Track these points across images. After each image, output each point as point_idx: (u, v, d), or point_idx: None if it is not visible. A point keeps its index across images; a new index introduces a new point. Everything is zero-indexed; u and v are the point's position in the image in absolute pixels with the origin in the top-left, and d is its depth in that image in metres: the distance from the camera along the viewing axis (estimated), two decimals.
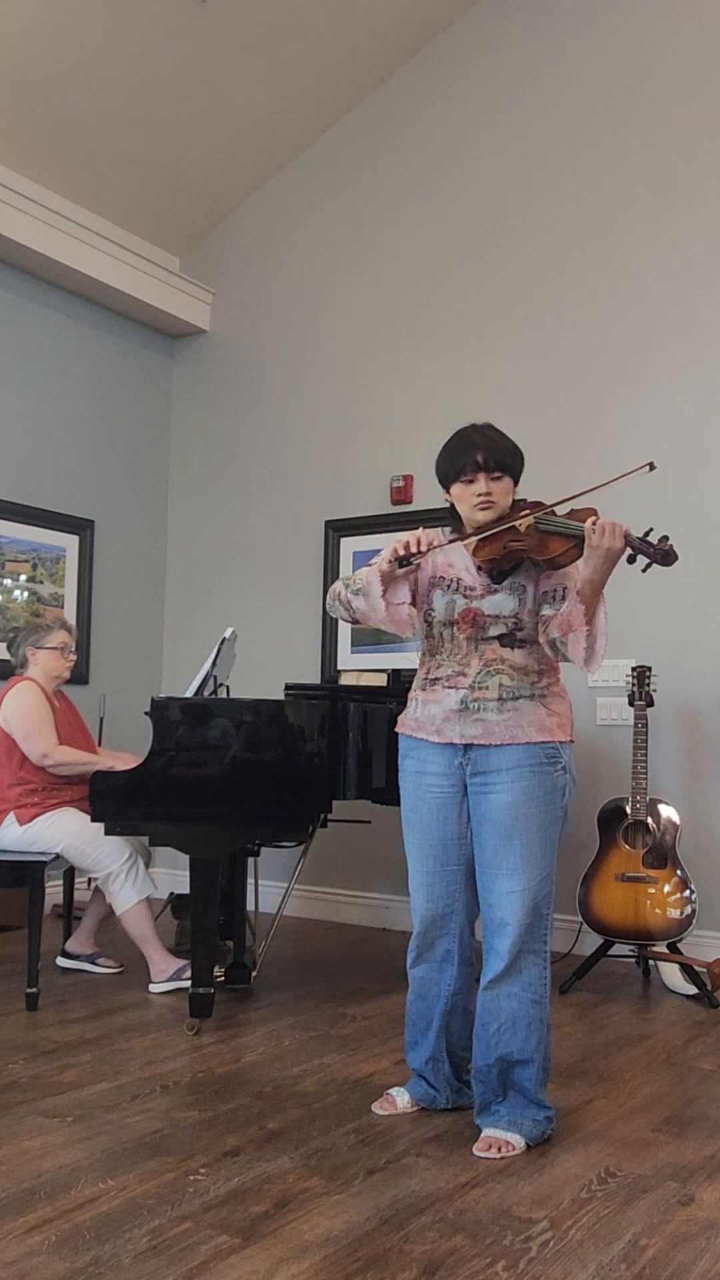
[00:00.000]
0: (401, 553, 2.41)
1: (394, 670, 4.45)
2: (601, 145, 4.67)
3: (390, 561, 2.44)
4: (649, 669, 3.99)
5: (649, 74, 4.57)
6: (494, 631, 2.49)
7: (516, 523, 2.43)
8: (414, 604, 2.59)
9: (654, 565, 2.32)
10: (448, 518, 2.64)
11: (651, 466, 2.42)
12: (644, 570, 2.37)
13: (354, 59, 5.12)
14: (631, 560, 2.34)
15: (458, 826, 2.54)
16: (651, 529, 2.36)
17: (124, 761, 3.76)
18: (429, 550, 2.42)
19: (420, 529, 2.49)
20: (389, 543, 2.50)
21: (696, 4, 4.46)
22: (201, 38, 4.74)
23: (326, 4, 4.77)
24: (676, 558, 2.30)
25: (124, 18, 4.54)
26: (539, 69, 4.85)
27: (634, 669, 4.00)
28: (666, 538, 2.31)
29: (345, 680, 4.54)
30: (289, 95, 5.20)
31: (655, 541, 2.31)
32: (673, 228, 4.48)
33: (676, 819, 3.86)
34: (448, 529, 2.63)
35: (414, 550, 2.40)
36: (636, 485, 4.42)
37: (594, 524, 2.33)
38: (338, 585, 2.58)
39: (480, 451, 2.49)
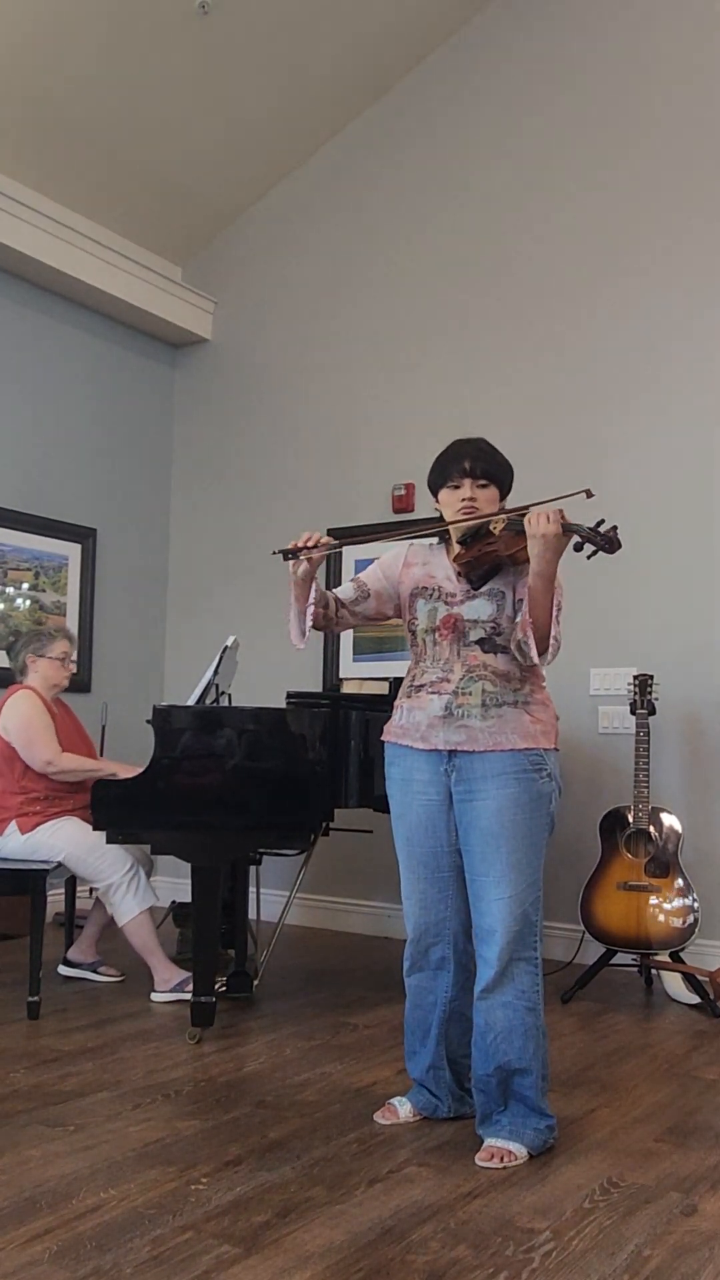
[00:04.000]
0: (290, 546, 2.48)
1: (395, 679, 4.45)
2: (605, 156, 4.68)
3: (280, 552, 2.52)
4: (651, 677, 3.99)
5: (654, 86, 4.58)
6: (474, 636, 2.52)
7: (491, 524, 2.46)
8: (399, 615, 2.68)
9: (600, 552, 2.31)
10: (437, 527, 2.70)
11: (589, 494, 2.42)
12: (589, 557, 2.36)
13: (356, 69, 5.14)
14: (579, 549, 2.34)
15: (447, 834, 2.55)
16: (603, 520, 2.35)
17: (127, 769, 3.75)
18: (318, 550, 2.48)
19: (320, 533, 2.55)
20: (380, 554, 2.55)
21: (702, 21, 4.48)
22: (203, 47, 4.76)
23: (328, 14, 4.79)
24: (620, 545, 2.29)
25: (125, 27, 4.56)
26: (541, 80, 4.87)
27: (636, 677, 4.00)
28: (614, 526, 2.30)
29: (347, 689, 4.54)
30: (291, 105, 5.22)
31: (603, 530, 2.31)
32: (677, 241, 4.49)
33: (679, 827, 3.85)
34: (434, 541, 2.74)
35: (300, 546, 2.47)
36: (636, 494, 4.45)
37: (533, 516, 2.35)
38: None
39: (469, 459, 2.56)
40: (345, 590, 2.68)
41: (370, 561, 5.29)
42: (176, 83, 4.90)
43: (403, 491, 5.10)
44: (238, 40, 4.77)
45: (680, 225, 4.48)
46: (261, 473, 5.65)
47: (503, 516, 2.46)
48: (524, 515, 2.46)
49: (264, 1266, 1.90)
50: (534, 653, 2.42)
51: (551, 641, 2.43)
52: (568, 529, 2.33)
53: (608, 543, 2.29)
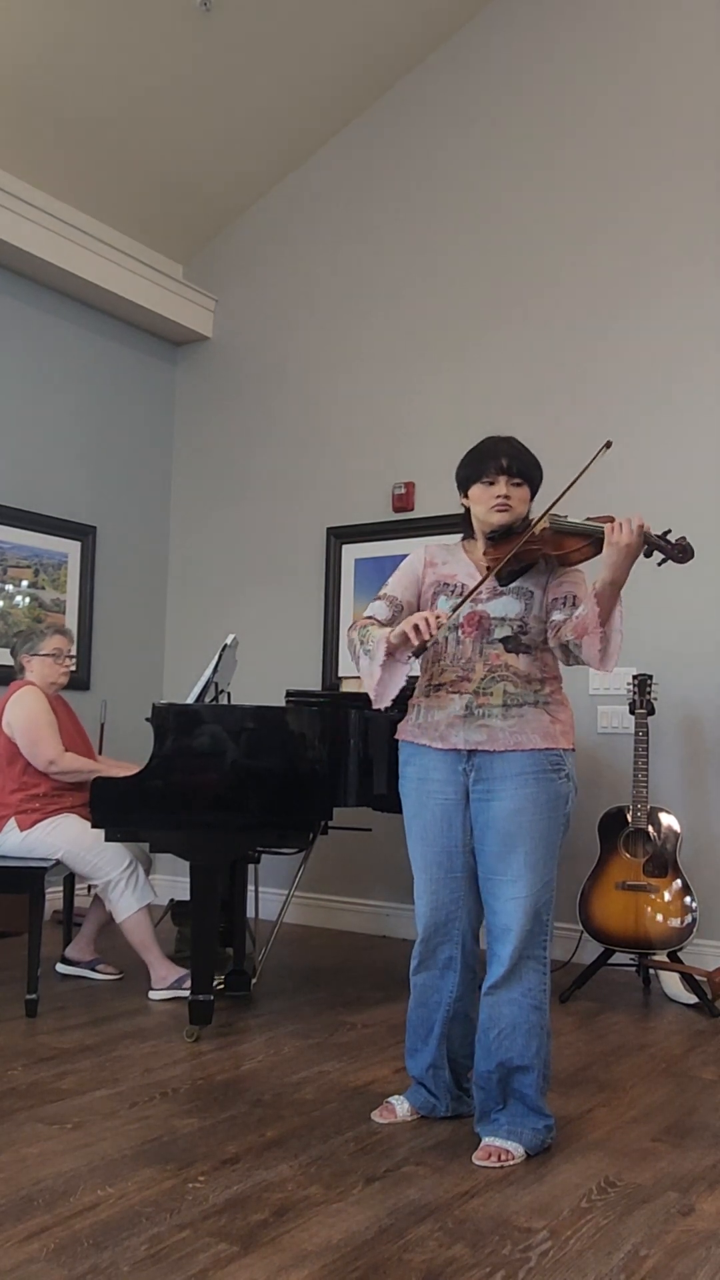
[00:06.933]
0: (416, 642, 2.36)
1: None
2: (607, 152, 4.68)
3: (404, 648, 2.42)
4: (650, 677, 3.99)
5: (655, 81, 4.58)
6: (499, 634, 2.51)
7: (534, 525, 2.47)
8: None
9: (669, 561, 2.35)
10: (461, 524, 2.71)
11: (608, 445, 2.45)
12: (659, 565, 2.40)
13: (357, 68, 5.14)
14: (648, 555, 2.37)
15: (461, 834, 2.54)
16: (670, 529, 2.40)
17: (126, 770, 3.75)
18: (441, 629, 2.38)
19: (429, 611, 2.44)
20: (406, 618, 2.43)
21: (702, 16, 4.48)
22: (205, 46, 4.76)
23: (329, 13, 4.79)
24: (693, 554, 2.34)
25: (128, 26, 4.56)
26: (541, 77, 4.86)
27: (635, 677, 4.00)
28: (684, 536, 2.36)
29: (346, 687, 4.54)
30: (292, 103, 5.21)
31: (673, 539, 2.34)
32: (682, 236, 4.48)
33: (677, 827, 3.85)
34: (458, 539, 2.73)
35: (428, 636, 2.35)
36: (639, 494, 4.44)
37: (613, 525, 2.37)
38: (354, 634, 2.58)
39: (505, 457, 2.56)
40: (382, 611, 2.63)
41: (371, 561, 5.31)
42: (178, 80, 4.90)
43: (403, 490, 5.10)
44: (239, 38, 4.77)
45: (686, 220, 4.48)
46: (261, 471, 5.65)
47: (545, 519, 2.47)
48: (564, 517, 2.49)
49: (261, 1265, 1.89)
50: (597, 657, 2.41)
51: (615, 649, 2.42)
52: (647, 539, 2.35)
53: (680, 552, 2.33)
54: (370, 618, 2.61)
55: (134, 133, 5.11)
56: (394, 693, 2.51)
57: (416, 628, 2.36)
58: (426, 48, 5.15)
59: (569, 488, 2.44)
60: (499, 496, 2.53)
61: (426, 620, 2.36)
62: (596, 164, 4.70)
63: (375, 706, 2.53)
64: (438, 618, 2.37)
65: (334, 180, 5.50)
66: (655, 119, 4.57)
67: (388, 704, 2.52)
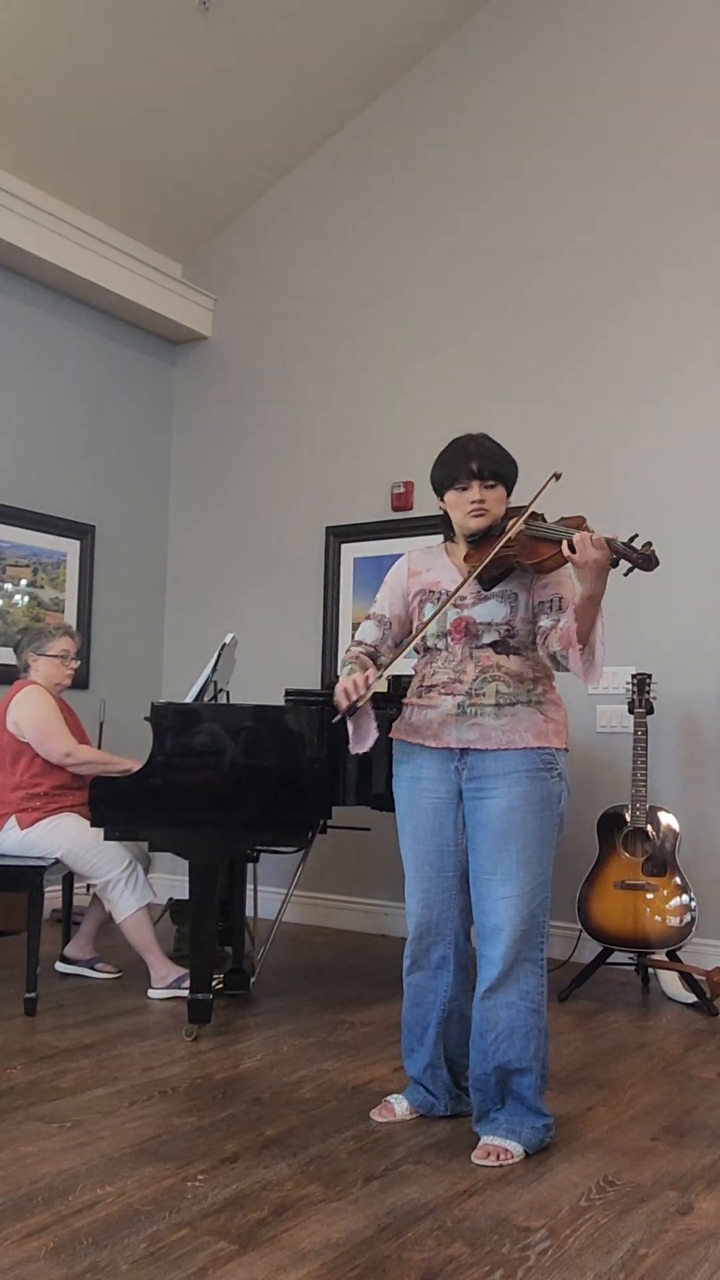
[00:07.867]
0: (345, 705, 2.40)
1: (394, 676, 4.44)
2: (604, 153, 4.68)
3: (337, 718, 2.45)
4: (649, 676, 3.99)
5: (657, 81, 4.58)
6: (487, 639, 2.51)
7: (508, 531, 2.45)
8: (407, 636, 2.65)
9: (636, 570, 2.32)
10: (441, 525, 2.69)
11: (557, 476, 2.45)
12: (625, 574, 2.37)
13: (355, 67, 5.14)
14: (614, 564, 2.34)
15: (454, 833, 2.54)
16: (636, 535, 2.37)
17: (138, 765, 3.74)
18: (368, 691, 2.40)
19: (353, 675, 2.43)
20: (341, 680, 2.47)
21: (704, 17, 4.48)
22: (203, 45, 4.75)
23: (328, 13, 4.79)
24: (658, 563, 2.30)
25: (127, 26, 4.55)
26: (541, 77, 4.86)
27: (634, 676, 4.00)
28: (649, 543, 2.31)
29: None
30: (291, 102, 5.21)
31: (639, 547, 2.32)
32: (683, 236, 4.48)
33: (676, 826, 3.85)
34: (439, 544, 2.73)
35: (353, 700, 2.39)
36: (637, 494, 4.45)
37: (570, 544, 2.32)
38: (341, 671, 2.59)
39: (475, 460, 2.53)
40: (370, 633, 2.65)
41: (370, 560, 5.31)
42: (177, 80, 4.89)
43: (402, 489, 5.10)
44: (238, 37, 4.76)
45: (683, 217, 4.47)
46: (260, 470, 5.65)
47: (519, 523, 2.45)
48: (540, 519, 2.48)
49: (260, 1264, 1.90)
50: (582, 671, 2.39)
51: (599, 661, 2.41)
52: (613, 548, 2.33)
53: (646, 560, 2.31)
54: (360, 641, 2.65)
55: (133, 132, 5.11)
56: (366, 740, 2.52)
57: (345, 691, 2.40)
58: (424, 48, 5.15)
59: (521, 518, 2.45)
60: (474, 502, 2.52)
61: (355, 683, 2.39)
62: (593, 164, 4.70)
63: (352, 752, 2.54)
64: (366, 679, 2.40)
65: (333, 180, 5.49)
66: (650, 120, 4.56)
67: (365, 749, 2.52)
